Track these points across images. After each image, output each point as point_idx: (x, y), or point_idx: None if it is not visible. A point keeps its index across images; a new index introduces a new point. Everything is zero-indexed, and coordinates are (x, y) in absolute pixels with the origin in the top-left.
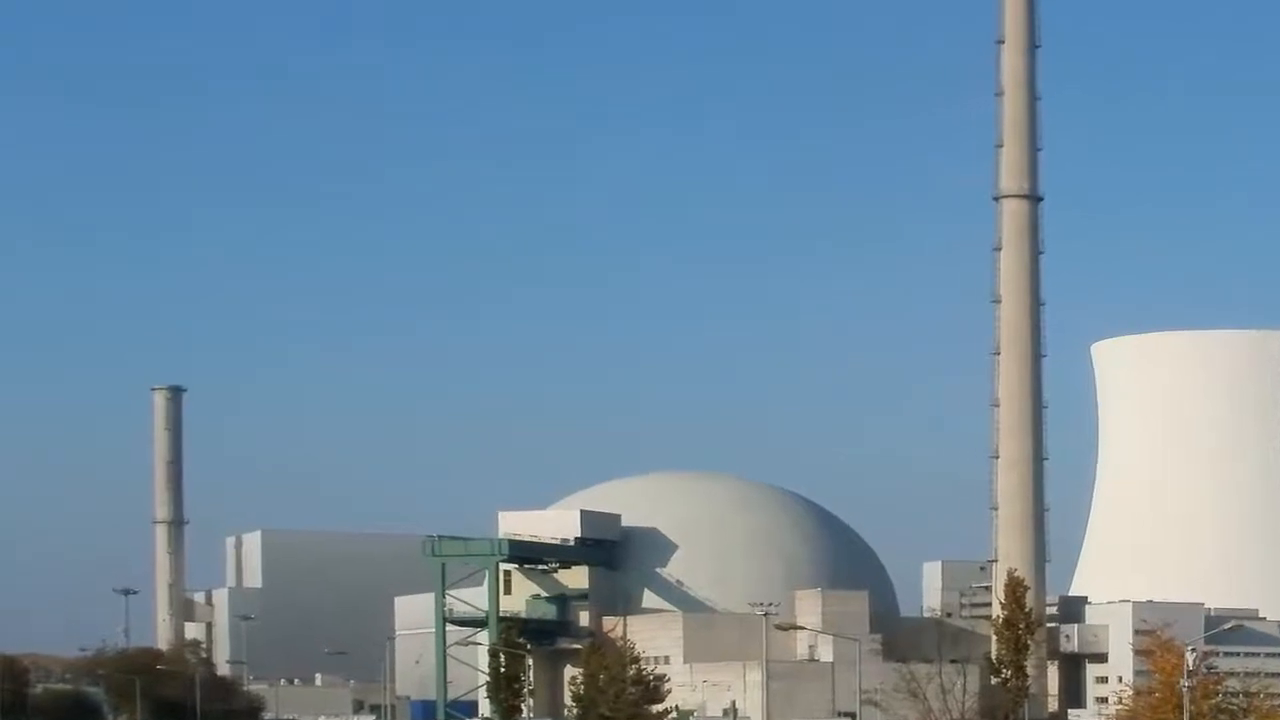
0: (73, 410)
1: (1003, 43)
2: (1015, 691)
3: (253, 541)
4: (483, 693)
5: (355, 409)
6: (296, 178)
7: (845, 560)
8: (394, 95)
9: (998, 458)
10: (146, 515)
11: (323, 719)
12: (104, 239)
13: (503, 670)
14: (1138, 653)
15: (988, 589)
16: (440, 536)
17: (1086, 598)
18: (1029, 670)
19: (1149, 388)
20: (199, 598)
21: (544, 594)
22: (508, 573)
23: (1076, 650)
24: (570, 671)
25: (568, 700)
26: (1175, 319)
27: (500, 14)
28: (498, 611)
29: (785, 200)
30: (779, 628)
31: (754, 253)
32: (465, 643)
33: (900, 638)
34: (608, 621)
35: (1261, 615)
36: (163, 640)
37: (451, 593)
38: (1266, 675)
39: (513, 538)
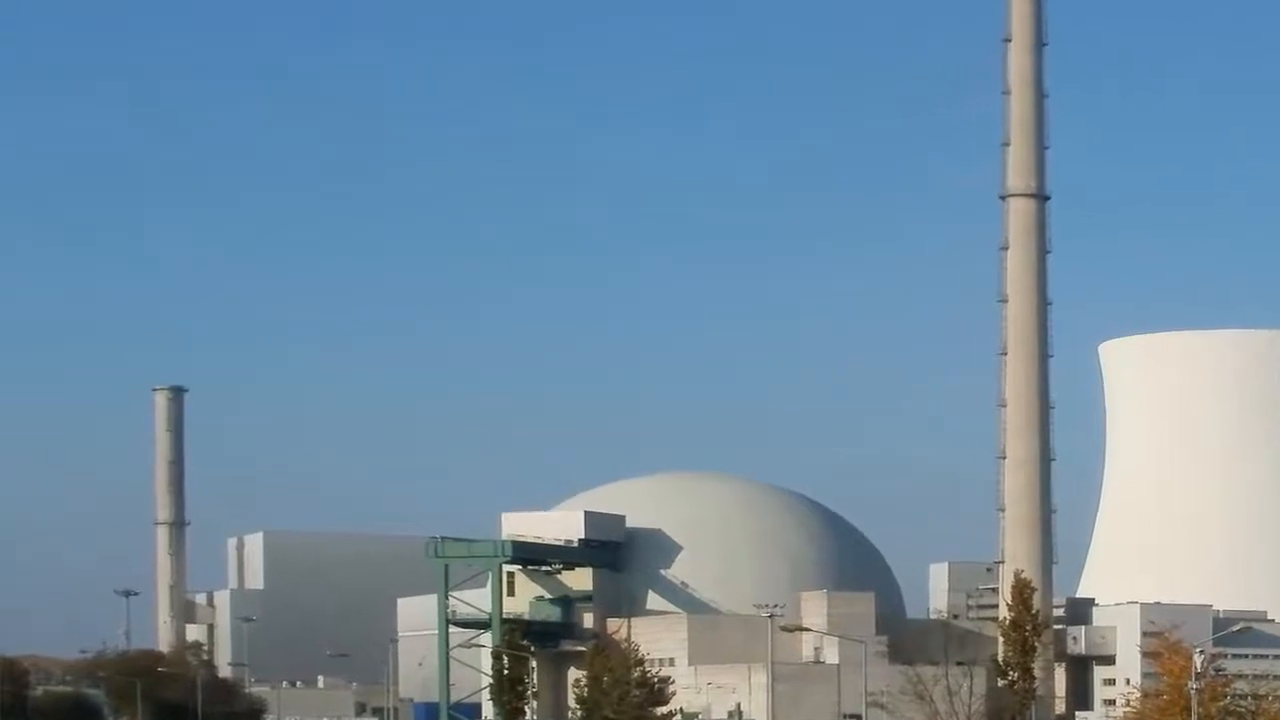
0: (74, 411)
1: (1009, 41)
2: (1022, 694)
3: (254, 543)
4: (486, 695)
5: (357, 409)
6: (296, 178)
7: (851, 561)
8: (394, 95)
9: (1004, 458)
10: (148, 516)
11: None
12: (104, 239)
13: (506, 672)
14: (1145, 655)
15: (994, 590)
16: (443, 538)
17: (1094, 599)
18: (1036, 672)
19: (1157, 388)
20: (200, 599)
21: (548, 596)
22: (511, 574)
23: (1084, 652)
24: (574, 674)
25: (572, 703)
26: (1183, 319)
27: (500, 14)
28: (501, 613)
29: (787, 200)
30: (784, 629)
31: (757, 252)
32: (468, 645)
33: (906, 639)
34: (612, 623)
35: (1270, 617)
36: (164, 642)
37: (455, 594)
38: (1275, 678)
39: (516, 539)
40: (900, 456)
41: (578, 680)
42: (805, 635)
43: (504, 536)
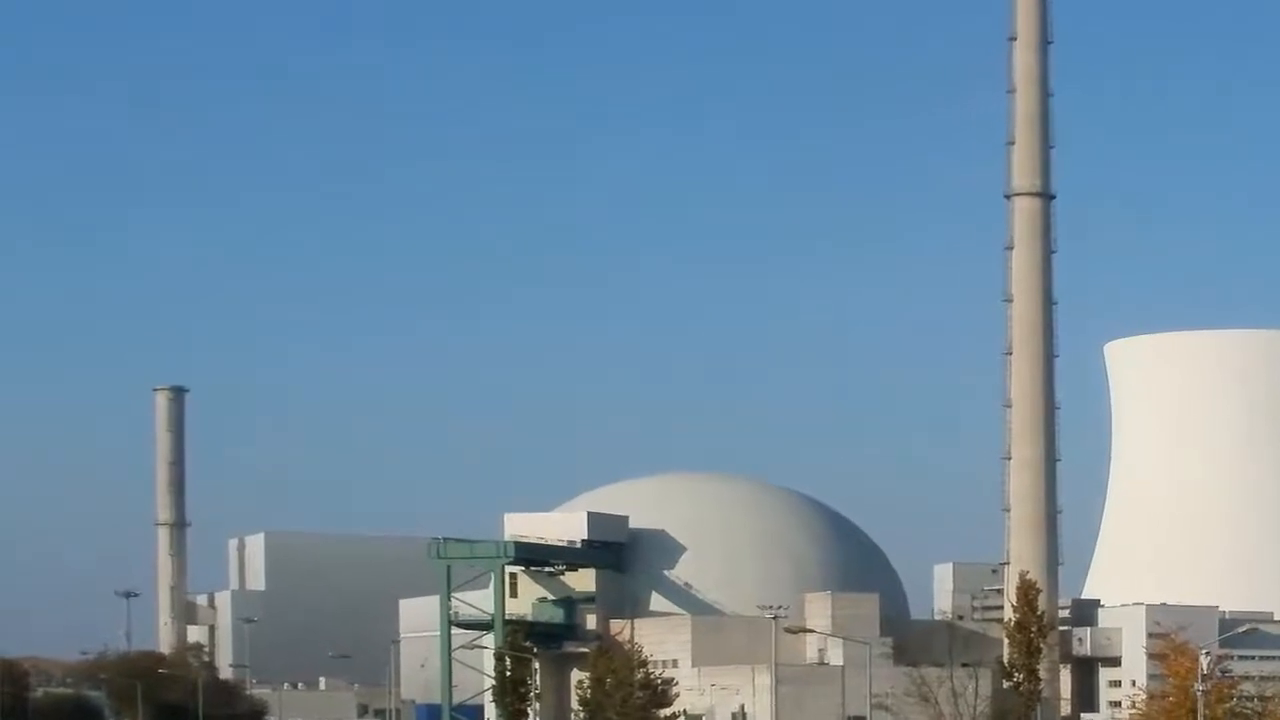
0: (74, 411)
1: (1014, 39)
2: (1027, 695)
3: (256, 544)
4: (488, 696)
5: (358, 410)
6: (296, 178)
7: (855, 562)
8: (394, 95)
9: (1009, 459)
10: (148, 517)
11: None
12: (104, 239)
13: (509, 674)
14: (1151, 656)
15: (999, 592)
16: (445, 539)
17: (1099, 600)
18: (1041, 674)
19: (1163, 388)
20: (201, 600)
21: (550, 597)
22: (513, 575)
23: (1089, 654)
24: (577, 675)
25: (574, 704)
26: (1189, 319)
27: (500, 14)
28: (503, 614)
29: (788, 200)
30: (788, 631)
31: (759, 252)
32: (471, 646)
33: (911, 641)
34: (615, 624)
35: (1277, 618)
36: (165, 643)
37: (457, 595)
38: None
39: (519, 540)
40: (904, 457)
41: (581, 682)
42: (809, 636)
43: (506, 537)
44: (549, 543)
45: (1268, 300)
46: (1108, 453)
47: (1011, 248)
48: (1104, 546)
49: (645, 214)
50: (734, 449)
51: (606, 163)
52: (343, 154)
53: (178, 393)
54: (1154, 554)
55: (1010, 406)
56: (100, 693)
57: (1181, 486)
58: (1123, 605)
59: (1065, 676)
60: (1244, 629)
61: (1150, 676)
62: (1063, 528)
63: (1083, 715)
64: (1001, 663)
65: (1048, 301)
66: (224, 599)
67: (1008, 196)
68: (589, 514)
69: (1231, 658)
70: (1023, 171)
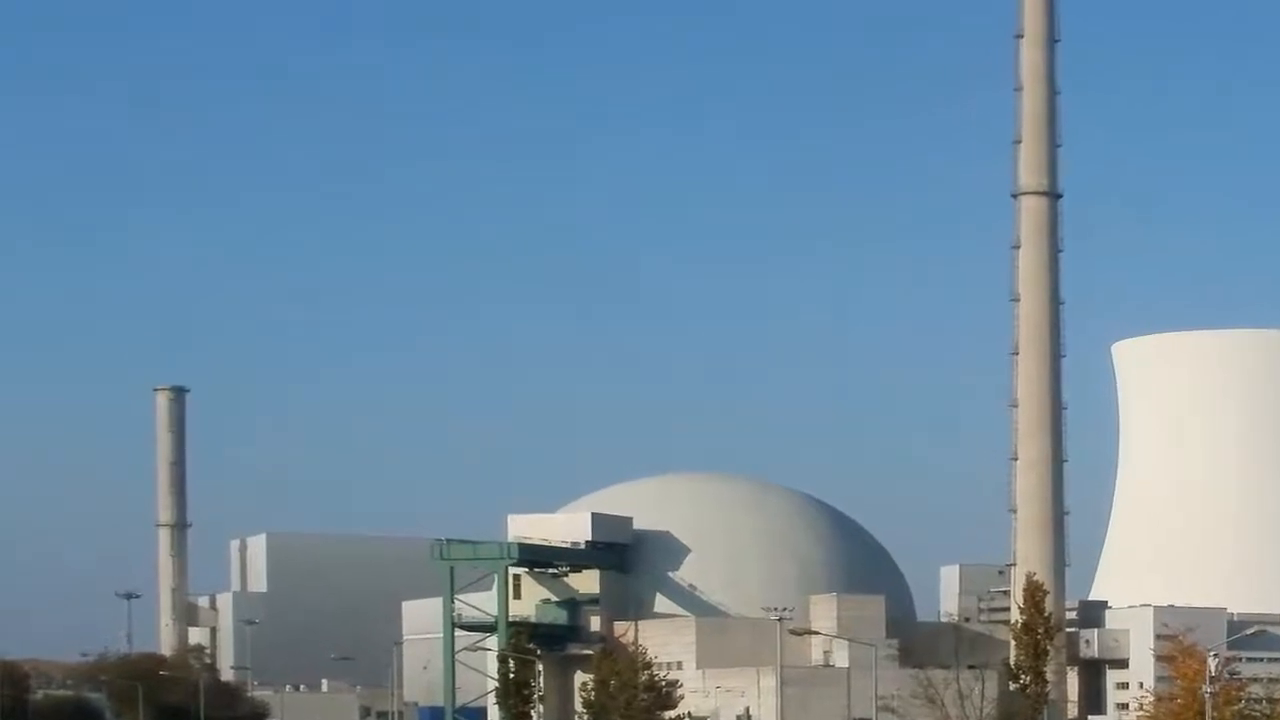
0: (74, 411)
1: (1021, 37)
2: (1034, 698)
3: (257, 545)
4: (492, 699)
5: (360, 410)
6: (296, 178)
7: (861, 564)
8: (394, 95)
9: (1016, 459)
10: (149, 518)
11: None
12: (104, 239)
13: (512, 676)
14: (1159, 658)
15: (1006, 593)
16: (448, 540)
17: (1107, 602)
18: (1048, 676)
19: (1170, 388)
20: (203, 602)
21: (554, 598)
22: (517, 577)
23: (1096, 656)
24: (581, 677)
25: (578, 706)
26: (1197, 318)
27: (500, 14)
28: (507, 616)
29: (789, 200)
30: (793, 632)
31: (767, 252)
32: (474, 648)
33: (917, 643)
34: (619, 626)
35: None
36: (166, 645)
37: (460, 597)
38: None
39: (522, 541)
40: (910, 458)
41: (584, 684)
42: (814, 638)
43: (510, 538)
44: (553, 544)
45: (1275, 300)
46: (1115, 453)
47: (1018, 247)
48: (1111, 548)
49: (645, 214)
50: (738, 450)
51: (606, 163)
52: (343, 154)
53: (178, 393)
54: (1161, 555)
55: (1017, 406)
56: (101, 694)
57: (1189, 487)
58: (1130, 607)
59: (1072, 678)
60: (1252, 631)
61: (1158, 678)
62: (1070, 529)
63: (1090, 717)
64: (1008, 665)
65: (1054, 301)
66: (225, 600)
67: (1014, 195)
68: (593, 515)
69: (1239, 660)
70: (1029, 170)
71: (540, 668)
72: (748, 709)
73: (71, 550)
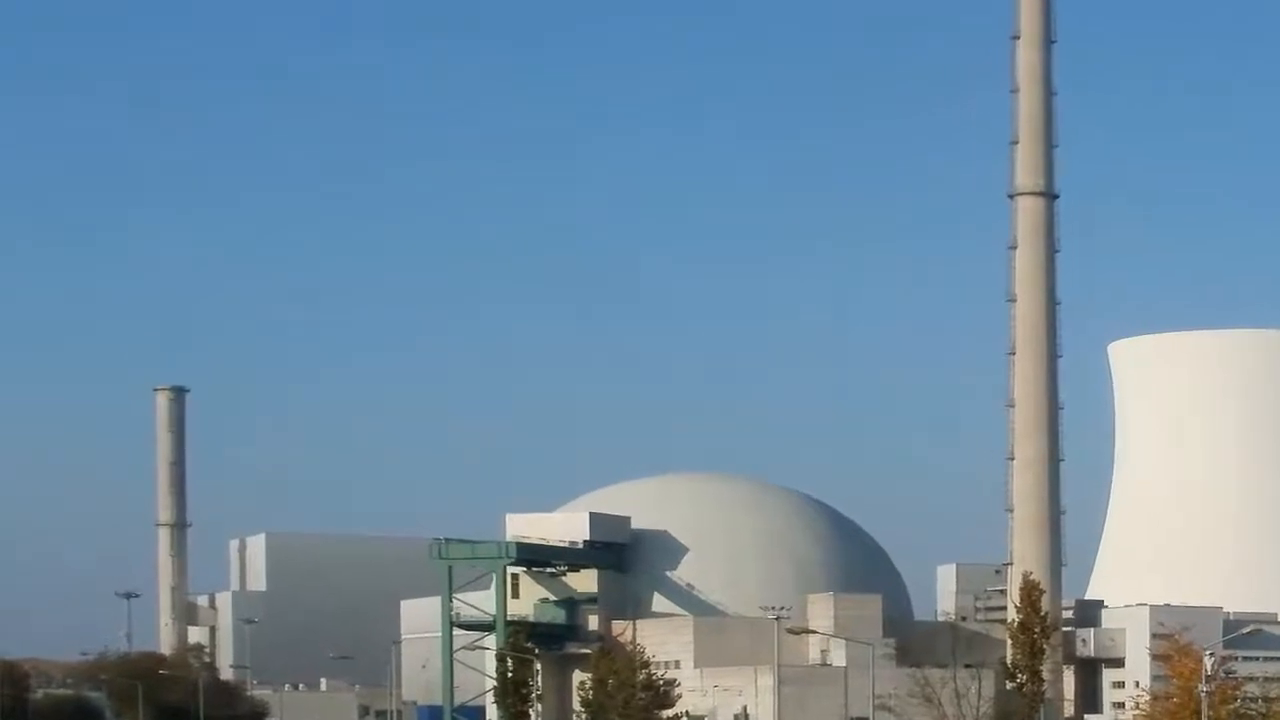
0: (74, 411)
1: (1018, 38)
2: (1031, 696)
3: (257, 544)
4: (490, 698)
5: (359, 410)
6: (296, 178)
7: (858, 563)
8: (394, 95)
9: (1013, 459)
10: (149, 517)
11: None
12: (104, 239)
13: (510, 675)
14: (1155, 657)
15: (1003, 592)
16: (447, 539)
17: (1103, 601)
18: (1045, 675)
19: (1167, 388)
20: (202, 601)
21: (552, 597)
22: (515, 576)
23: (1093, 654)
24: (579, 676)
25: (576, 705)
26: (1193, 318)
27: (500, 14)
28: (505, 615)
29: (789, 200)
30: (791, 632)
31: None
32: (472, 647)
33: (914, 642)
34: (617, 625)
35: None
36: (165, 644)
37: (458, 596)
38: None
39: (520, 540)
40: (907, 457)
41: (583, 683)
42: (812, 637)
43: (508, 538)
44: (551, 543)
45: (1272, 300)
46: (1111, 453)
47: (1015, 247)
48: (1107, 547)
49: (645, 214)
50: (736, 449)
51: (606, 163)
52: (343, 154)
53: (178, 393)
54: (1157, 554)
55: (1014, 406)
56: (101, 694)
57: (1185, 487)
58: (1126, 606)
59: (1069, 677)
60: (1248, 630)
61: (1154, 678)
62: (1066, 528)
63: (1086, 716)
64: (1005, 664)
65: (1051, 301)
66: (225, 600)
67: (1011, 196)
68: (591, 514)
69: (1235, 659)
70: (1026, 171)
71: (538, 667)
72: (745, 708)
73: (71, 550)
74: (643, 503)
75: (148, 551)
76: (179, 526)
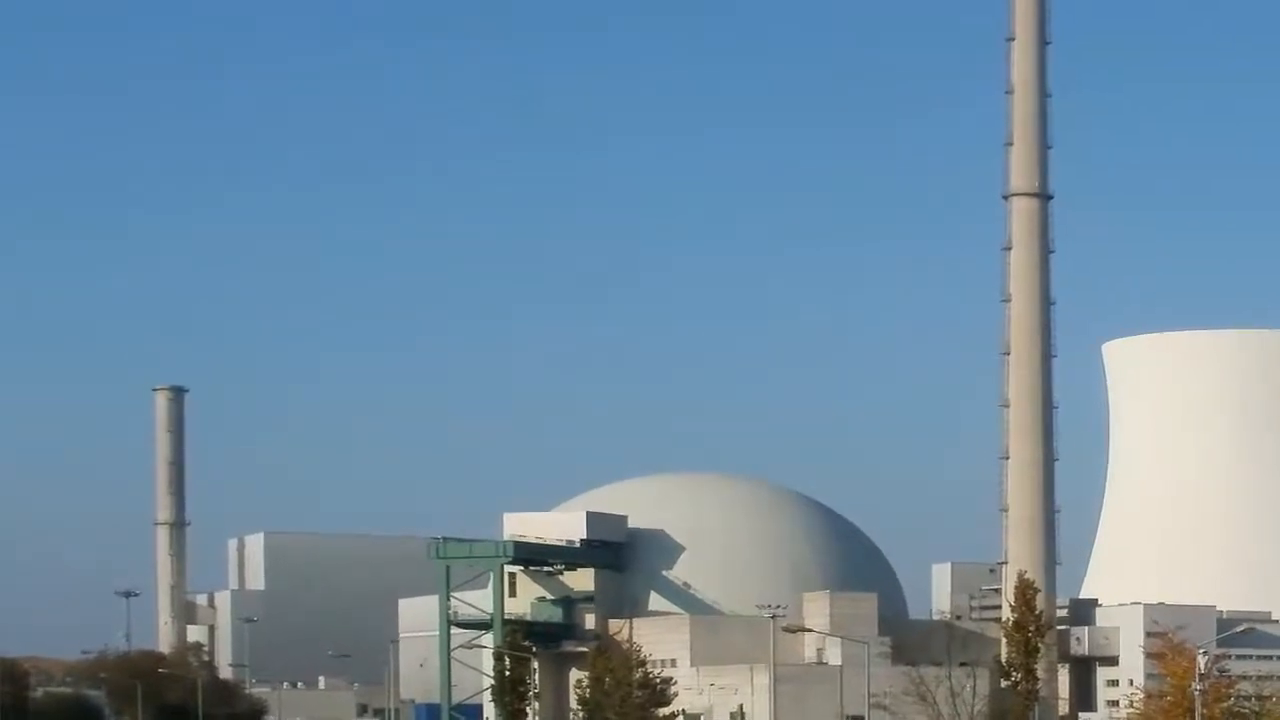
0: (74, 411)
1: (1013, 40)
2: (1025, 695)
3: (255, 543)
4: (487, 696)
5: (358, 410)
6: (296, 178)
7: (853, 562)
8: (394, 95)
9: (1007, 459)
10: (148, 517)
11: None
12: (104, 239)
13: (508, 673)
14: (1149, 656)
15: (997, 591)
16: (445, 538)
17: (1097, 600)
18: (1039, 673)
19: (1160, 388)
20: (201, 600)
21: (549, 596)
22: (513, 575)
23: (1087, 653)
24: (576, 674)
25: (573, 704)
26: (1187, 318)
27: (500, 14)
28: (503, 614)
29: (787, 200)
30: (787, 630)
31: (757, 252)
32: (470, 645)
33: (909, 640)
34: (614, 624)
35: (1274, 618)
36: (164, 643)
37: (456, 595)
38: (1279, 678)
39: (518, 540)
40: (902, 457)
41: (579, 681)
42: (808, 636)
43: (505, 537)
44: (548, 542)
45: (1265, 300)
46: (1105, 452)
47: (1009, 248)
48: (1102, 546)
49: (645, 214)
50: (732, 449)
51: (607, 163)
52: (343, 154)
53: (177, 393)
54: (1151, 554)
55: (1008, 406)
56: (100, 692)
57: (1179, 486)
58: (1120, 605)
59: (1063, 676)
60: (1241, 628)
61: (1148, 676)
62: (1060, 527)
63: (1080, 714)
64: (999, 662)
65: (1045, 301)
66: (224, 599)
67: (1005, 197)
68: (588, 514)
69: (1229, 657)
70: (1020, 172)
71: (535, 665)
72: (741, 706)
73: (71, 549)
74: (639, 502)
75: (147, 551)
76: (178, 526)
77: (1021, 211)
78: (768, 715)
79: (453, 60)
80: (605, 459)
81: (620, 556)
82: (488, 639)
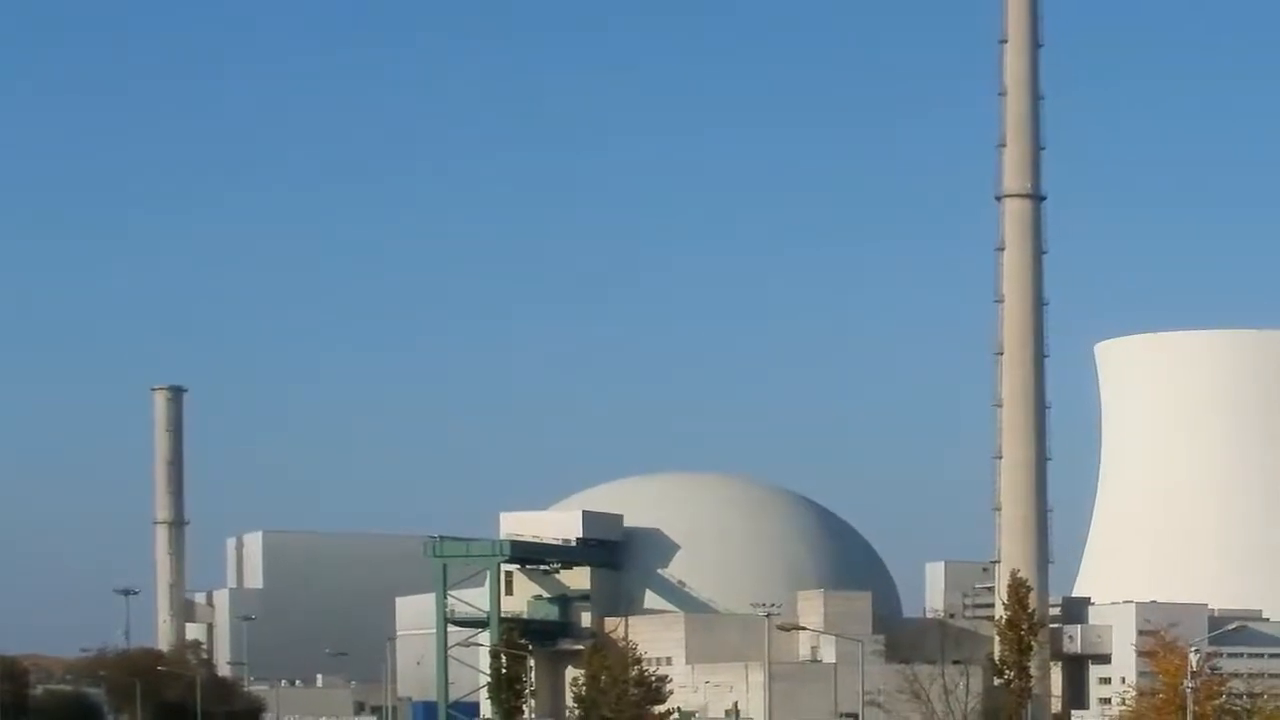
0: (73, 410)
1: (1005, 42)
2: (1018, 693)
3: (254, 542)
4: (484, 694)
5: (356, 409)
6: (296, 178)
7: (848, 561)
8: (394, 95)
9: (1001, 458)
10: (147, 516)
11: None
12: (104, 239)
13: (504, 671)
14: (1141, 654)
15: (991, 590)
16: (442, 537)
17: (1090, 598)
18: (1032, 671)
19: (1153, 388)
20: (200, 599)
21: (546, 595)
22: (509, 573)
23: (1080, 651)
24: (572, 672)
25: (569, 701)
26: (1179, 318)
27: (500, 14)
28: (499, 612)
29: (786, 200)
30: (781, 628)
31: (753, 252)
32: (467, 644)
33: (903, 638)
34: (609, 622)
35: (1265, 616)
36: (163, 641)
37: (453, 593)
38: (1270, 676)
39: (514, 538)
40: (896, 456)
41: (575, 679)
42: (802, 634)
43: (502, 536)
44: (544, 541)
45: (1256, 300)
46: (1098, 452)
47: (1003, 249)
48: (1094, 545)
49: (645, 214)
50: (727, 448)
51: (606, 163)
52: (343, 154)
53: (176, 392)
54: (1143, 552)
55: (1001, 406)
56: (99, 690)
57: (1171, 485)
58: (1113, 603)
59: (1056, 674)
60: (1233, 627)
61: (1140, 674)
62: (1053, 526)
63: (1073, 712)
64: (992, 660)
65: (1038, 302)
66: (222, 597)
67: (999, 198)
68: (584, 513)
69: (1220, 655)
70: (1013, 174)
71: (532, 663)
72: (736, 704)
73: (70, 548)
74: (635, 501)
75: (146, 549)
76: (177, 525)
77: (1014, 213)
78: (762, 713)
79: (453, 60)
80: (601, 458)
81: (616, 555)
82: (484, 637)
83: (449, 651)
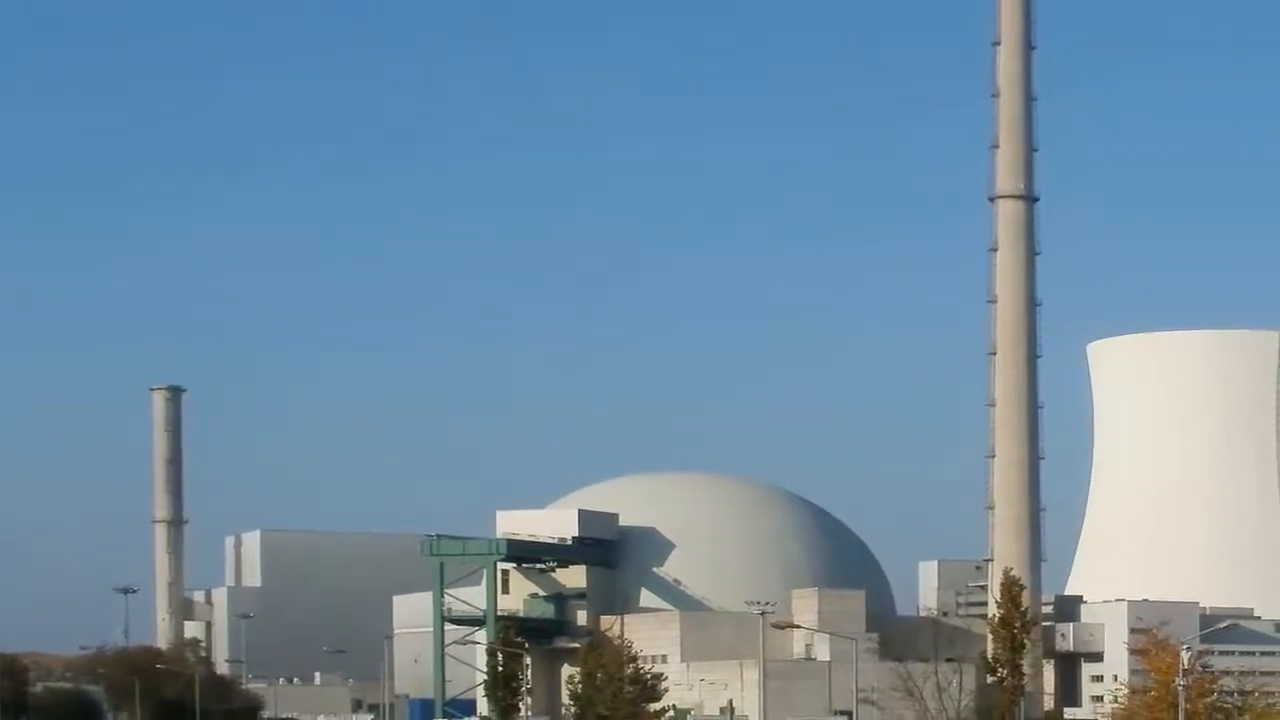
0: (73, 410)
1: (998, 44)
2: (1011, 690)
3: (252, 541)
4: (481, 691)
5: (354, 409)
6: (296, 178)
7: (842, 559)
8: (394, 95)
9: (994, 457)
10: (146, 515)
11: (322, 718)
12: (104, 239)
13: (500, 669)
14: (1133, 652)
15: (984, 588)
16: (438, 536)
17: (1082, 597)
18: (1025, 669)
19: (1144, 387)
20: (198, 597)
21: (542, 593)
22: (505, 572)
23: (1072, 649)
24: (568, 670)
25: (565, 699)
26: (1171, 319)
27: (500, 14)
28: (496, 610)
29: (785, 200)
30: (776, 626)
31: (749, 252)
32: (463, 642)
33: (897, 637)
34: (605, 620)
35: (1256, 614)
36: (162, 639)
37: (450, 592)
38: (1261, 674)
39: (511, 537)
40: (890, 456)
41: (571, 677)
42: (796, 632)
43: (499, 534)
44: (540, 540)
45: (1248, 301)
46: (1090, 451)
47: (995, 249)
48: (1086, 543)
49: (645, 214)
50: (722, 448)
51: (606, 163)
52: (343, 154)
53: (175, 392)
54: (1135, 551)
55: (994, 406)
56: (99, 688)
57: (1163, 484)
58: (1105, 601)
59: (1048, 672)
60: (1224, 625)
61: (1132, 672)
62: (1046, 525)
63: (1065, 710)
64: (985, 658)
65: (1031, 302)
66: (221, 595)
67: (991, 199)
68: (580, 511)
69: (1212, 653)
70: (1006, 175)
71: (528, 661)
72: (731, 702)
73: (70, 546)
74: (630, 500)
75: (145, 548)
76: (176, 523)
77: (1007, 213)
78: (757, 710)
79: (453, 60)
80: (597, 458)
81: (611, 554)
82: (481, 635)
83: (446, 649)
